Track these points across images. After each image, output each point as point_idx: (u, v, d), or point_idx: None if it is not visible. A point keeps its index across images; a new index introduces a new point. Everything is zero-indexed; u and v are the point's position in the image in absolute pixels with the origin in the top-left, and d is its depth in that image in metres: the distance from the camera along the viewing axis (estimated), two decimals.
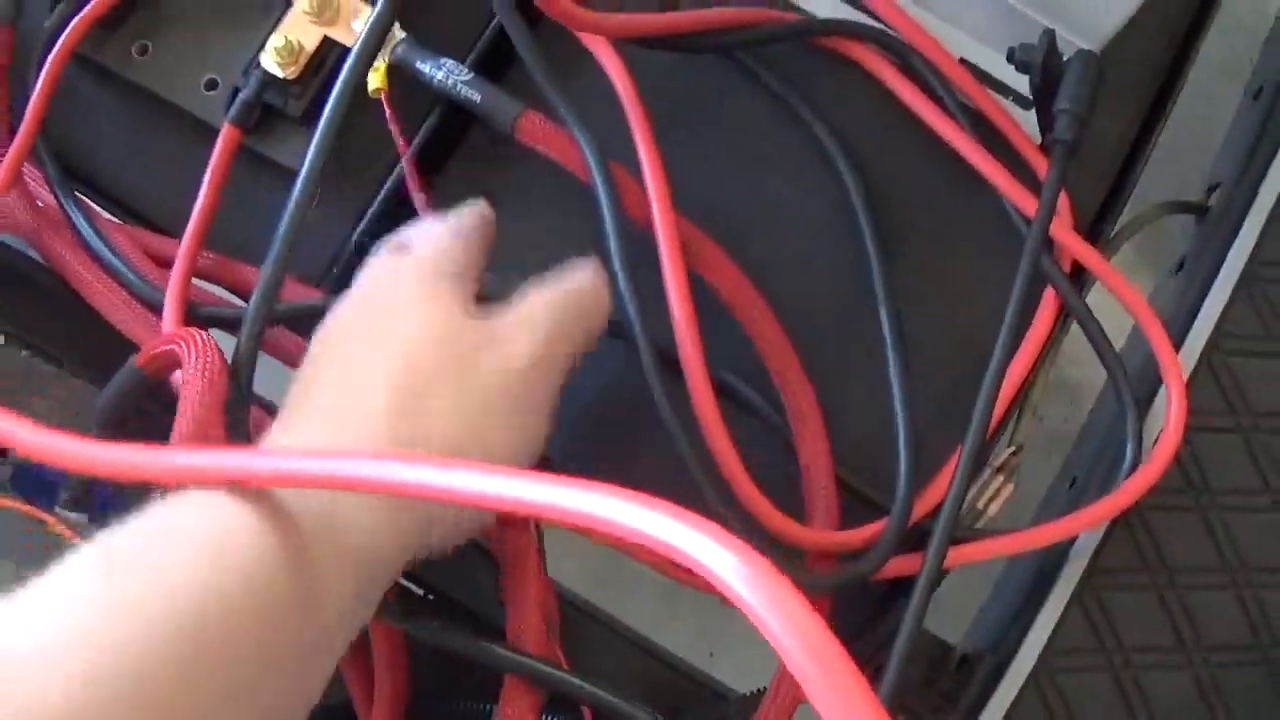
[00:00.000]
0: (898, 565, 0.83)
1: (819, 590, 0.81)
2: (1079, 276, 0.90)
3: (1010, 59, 0.86)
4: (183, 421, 0.69)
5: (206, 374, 0.70)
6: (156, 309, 0.82)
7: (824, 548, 0.83)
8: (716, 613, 0.86)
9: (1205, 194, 0.99)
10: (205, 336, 0.72)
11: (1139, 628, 0.87)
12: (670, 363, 0.82)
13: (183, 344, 0.72)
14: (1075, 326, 0.89)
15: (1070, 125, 0.84)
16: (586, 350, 0.77)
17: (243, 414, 0.73)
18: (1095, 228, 0.92)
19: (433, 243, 0.76)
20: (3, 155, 0.85)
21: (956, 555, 0.82)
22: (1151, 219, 0.95)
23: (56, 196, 0.87)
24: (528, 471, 0.51)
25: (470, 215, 0.79)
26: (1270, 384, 0.90)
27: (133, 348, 0.78)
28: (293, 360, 0.82)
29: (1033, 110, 0.88)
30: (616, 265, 0.81)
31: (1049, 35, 0.83)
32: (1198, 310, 0.91)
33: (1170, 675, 0.87)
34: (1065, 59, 0.84)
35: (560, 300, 0.75)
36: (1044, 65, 0.83)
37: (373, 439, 0.65)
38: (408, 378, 0.68)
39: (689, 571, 0.44)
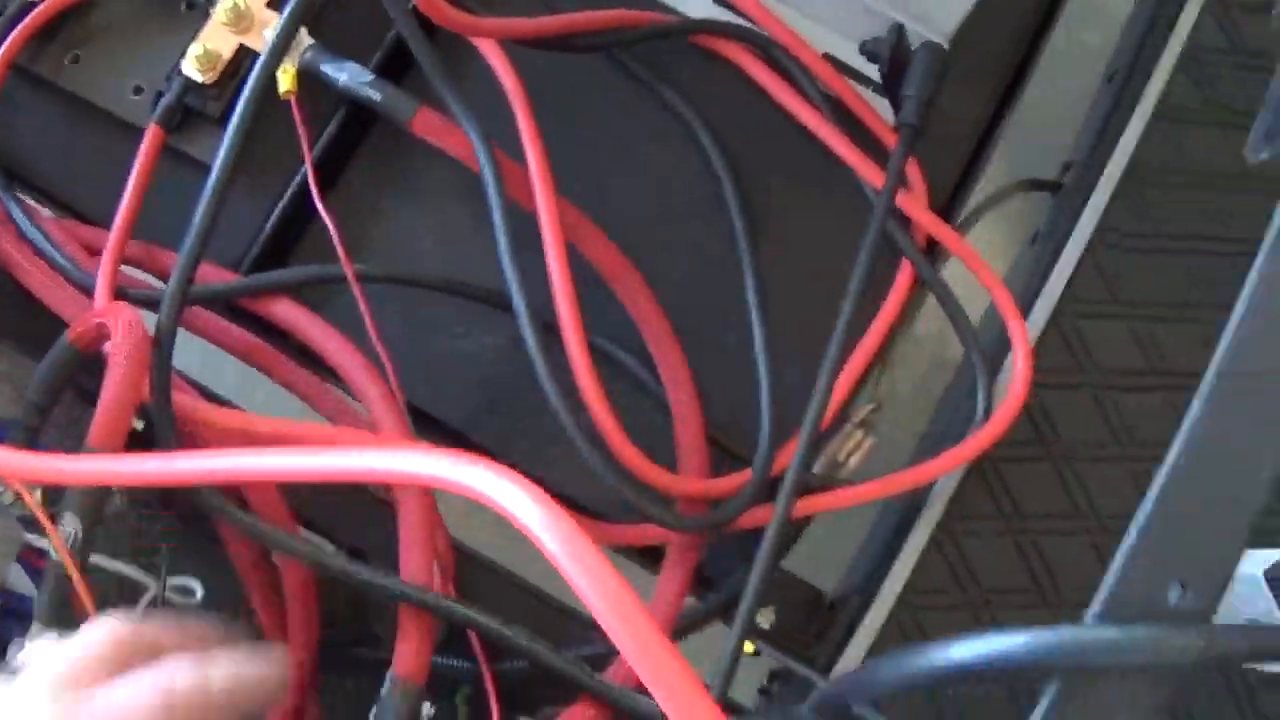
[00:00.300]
0: (761, 515, 0.90)
1: (685, 530, 0.89)
2: (934, 250, 0.98)
3: (862, 50, 0.94)
4: (111, 384, 0.77)
5: (132, 341, 0.78)
6: (89, 292, 0.90)
7: (693, 494, 0.91)
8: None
9: (1060, 172, 1.06)
10: (131, 311, 0.80)
11: (994, 570, 0.94)
12: (553, 331, 0.89)
13: (111, 318, 0.80)
14: None
15: (915, 110, 0.92)
16: None
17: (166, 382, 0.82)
18: (950, 206, 1.00)
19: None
20: None
21: (809, 504, 0.90)
22: (1007, 195, 1.01)
23: None
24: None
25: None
26: (1115, 344, 0.97)
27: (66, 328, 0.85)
28: (208, 336, 0.91)
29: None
30: (502, 244, 0.89)
31: (897, 28, 0.91)
32: (1048, 277, 0.98)
33: (1026, 615, 0.94)
34: (913, 49, 0.92)
35: (144, 701, 0.62)
36: (892, 56, 0.91)
37: None
38: None
39: None
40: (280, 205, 0.99)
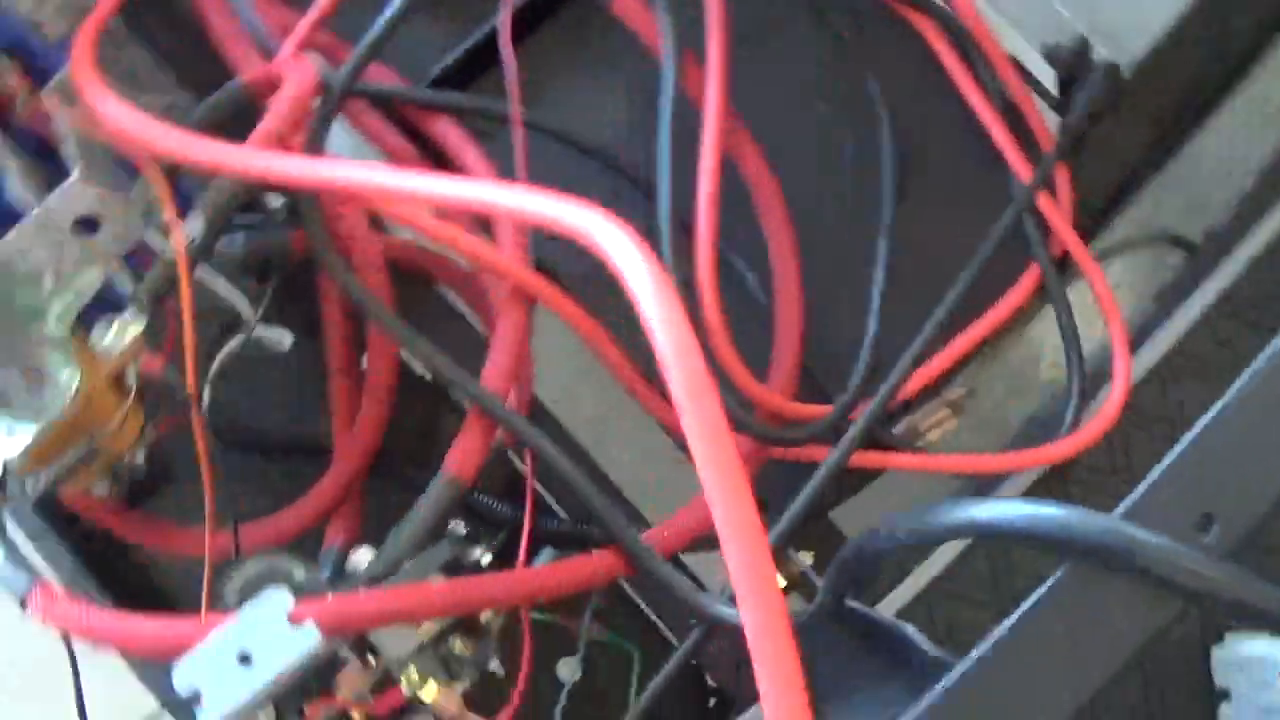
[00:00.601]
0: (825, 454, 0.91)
1: (754, 435, 0.91)
2: (1063, 268, 0.99)
3: (1045, 53, 0.97)
4: (268, 121, 0.79)
5: (301, 88, 0.81)
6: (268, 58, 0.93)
7: (772, 407, 0.92)
8: None
9: (1204, 239, 1.06)
10: (312, 67, 0.84)
11: (1033, 580, 0.95)
12: (686, 231, 0.92)
13: (292, 66, 0.83)
14: None
15: (1078, 118, 0.94)
16: None
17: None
18: (1091, 231, 1.02)
19: None
20: None
21: (873, 457, 0.92)
22: (1145, 242, 1.03)
23: None
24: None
25: None
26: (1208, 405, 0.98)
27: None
28: (367, 131, 0.94)
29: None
30: (663, 132, 0.93)
31: (1082, 41, 0.94)
32: (1162, 325, 0.99)
33: None
34: (1093, 65, 0.95)
35: None
36: (1071, 64, 0.94)
37: None
38: None
39: None
40: (471, 40, 1.01)
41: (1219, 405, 0.52)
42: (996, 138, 0.99)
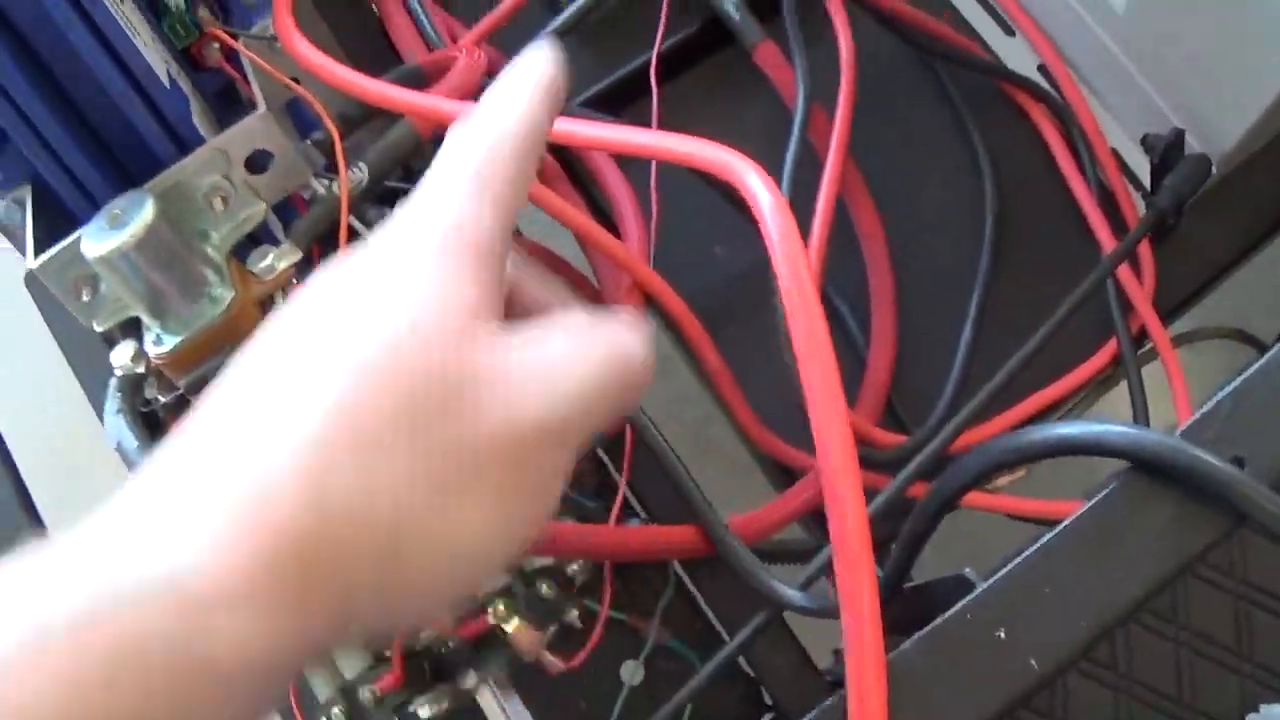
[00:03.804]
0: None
1: None
2: (1141, 343, 1.00)
3: (1142, 142, 0.99)
4: (444, 85, 0.83)
5: (473, 68, 0.85)
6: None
7: (858, 431, 0.93)
8: None
9: (1278, 337, 1.06)
10: (484, 56, 0.87)
11: None
12: None
13: (468, 51, 0.87)
14: None
15: (1167, 198, 0.95)
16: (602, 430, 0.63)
17: None
18: (1170, 316, 1.02)
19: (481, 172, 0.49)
20: None
21: (922, 488, 0.90)
22: (1216, 334, 1.04)
23: None
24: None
25: (539, 97, 0.53)
26: None
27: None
28: None
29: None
30: (787, 170, 0.96)
31: (1178, 133, 0.96)
32: None
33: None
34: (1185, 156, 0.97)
35: (602, 369, 0.47)
36: (1165, 151, 0.95)
37: (276, 492, 0.40)
38: (365, 401, 0.42)
39: None
40: (620, 72, 1.05)
41: (1256, 365, 0.55)
42: (1090, 216, 1.00)
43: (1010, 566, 0.53)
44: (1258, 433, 0.53)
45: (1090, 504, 0.53)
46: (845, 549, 0.50)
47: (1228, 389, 0.54)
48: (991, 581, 0.53)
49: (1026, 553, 0.52)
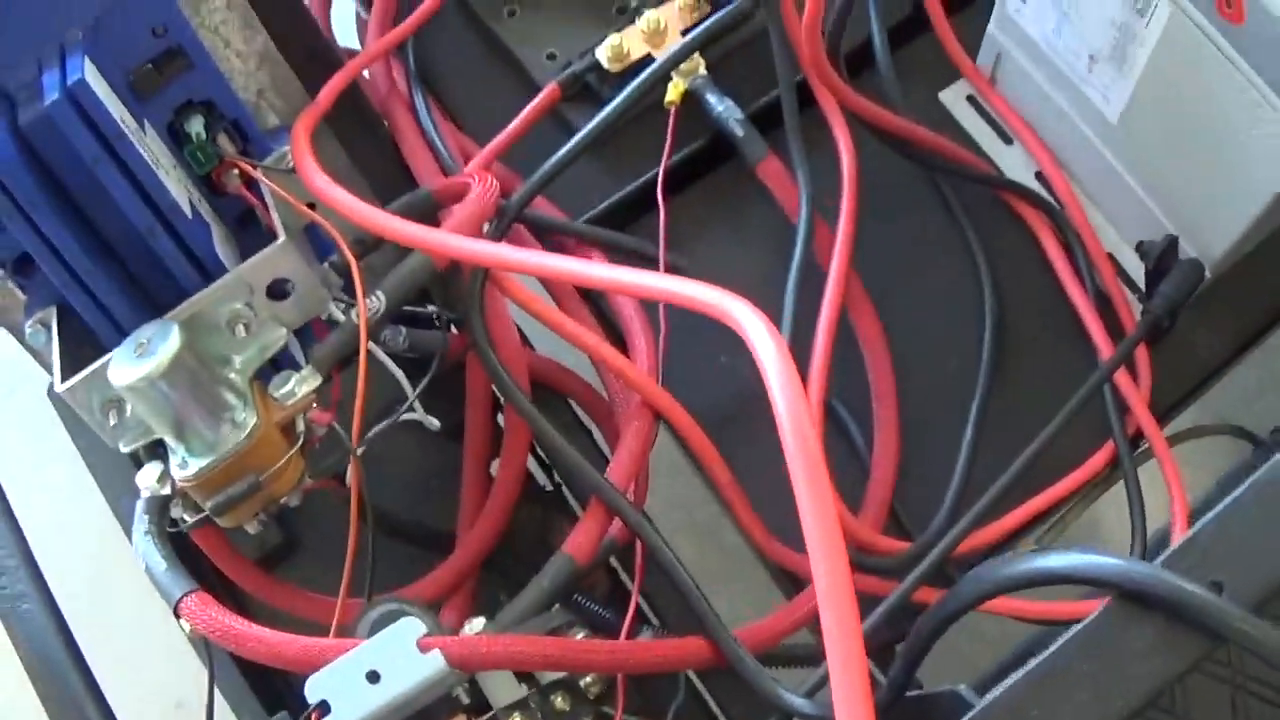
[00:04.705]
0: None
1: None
2: (1135, 446, 1.02)
3: (1137, 248, 1.01)
4: (457, 215, 0.86)
5: (486, 195, 0.87)
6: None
7: (862, 540, 0.95)
8: None
9: (1272, 432, 1.09)
10: (494, 182, 0.89)
11: None
12: (801, 377, 0.96)
13: (479, 178, 0.89)
14: None
15: (1161, 304, 0.97)
16: None
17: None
18: (1166, 414, 1.04)
19: None
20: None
21: (927, 593, 0.93)
22: (1212, 431, 1.06)
23: (409, 82, 1.07)
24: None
25: None
26: None
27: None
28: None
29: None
30: (790, 284, 0.99)
31: (1171, 239, 0.98)
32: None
33: None
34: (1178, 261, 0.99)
35: None
36: (1159, 257, 0.98)
37: None
38: None
39: None
40: (628, 188, 1.09)
41: (1232, 497, 0.57)
42: (1087, 321, 1.02)
43: (1001, 690, 0.55)
44: (1236, 558, 0.55)
45: (1078, 628, 0.55)
46: (843, 685, 0.52)
47: (1207, 517, 0.56)
48: (985, 704, 0.55)
49: (1016, 675, 0.55)
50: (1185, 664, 0.54)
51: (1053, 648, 0.55)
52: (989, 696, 0.56)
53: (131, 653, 1.13)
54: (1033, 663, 0.55)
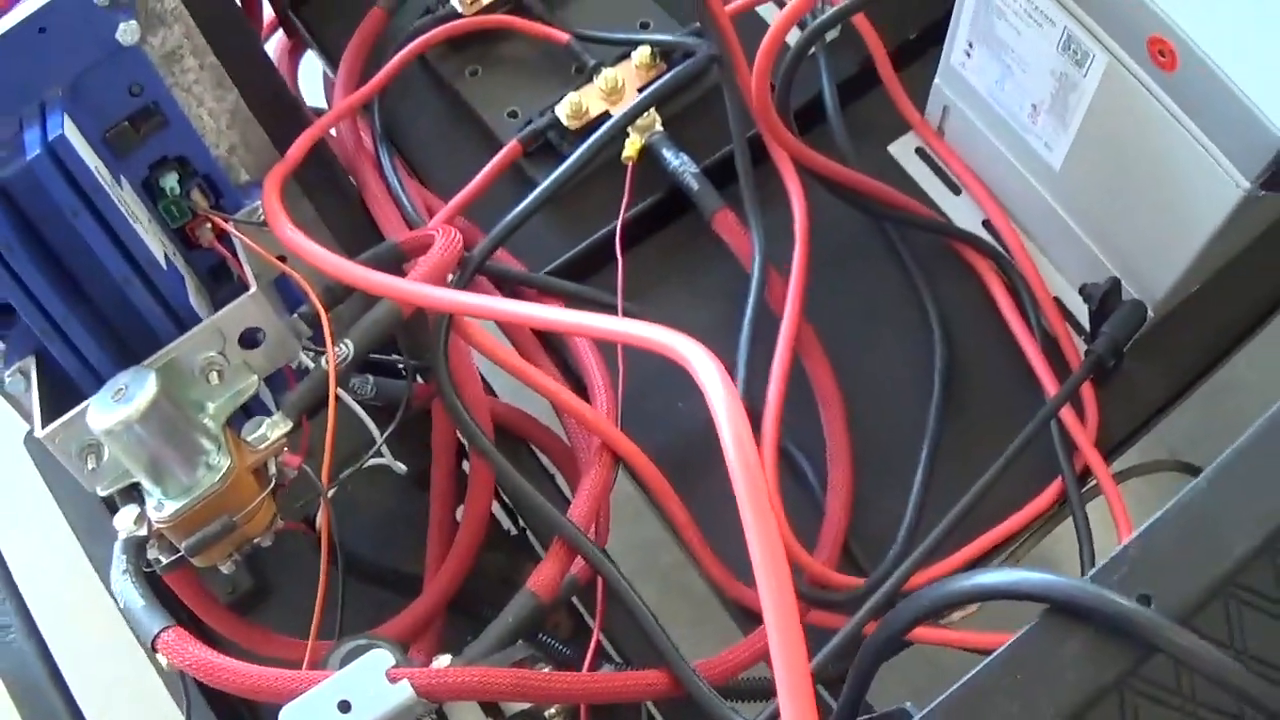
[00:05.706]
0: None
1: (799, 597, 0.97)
2: (1083, 483, 1.06)
3: (1081, 290, 1.05)
4: (422, 266, 0.88)
5: (451, 249, 0.90)
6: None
7: (816, 574, 0.98)
8: None
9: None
10: (458, 235, 0.92)
11: None
12: (754, 420, 0.99)
13: (442, 231, 0.92)
14: None
15: (1105, 344, 1.01)
16: None
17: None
18: (1113, 451, 1.08)
19: None
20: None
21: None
22: (1158, 468, 1.09)
23: (375, 140, 1.11)
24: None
25: None
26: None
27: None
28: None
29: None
30: (744, 333, 1.03)
31: (1114, 281, 1.02)
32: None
33: None
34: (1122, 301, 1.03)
35: None
36: (1102, 299, 1.01)
37: None
38: None
39: None
40: (587, 241, 1.12)
41: (1157, 516, 0.60)
42: (1033, 362, 1.06)
43: (937, 702, 0.58)
44: (1164, 571, 0.58)
45: (1011, 641, 0.58)
46: (791, 702, 0.56)
47: (1134, 534, 0.59)
48: (923, 714, 0.58)
49: (955, 687, 0.58)
50: (1114, 674, 0.56)
51: (986, 660, 0.58)
52: (925, 709, 0.59)
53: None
54: (969, 674, 0.58)
